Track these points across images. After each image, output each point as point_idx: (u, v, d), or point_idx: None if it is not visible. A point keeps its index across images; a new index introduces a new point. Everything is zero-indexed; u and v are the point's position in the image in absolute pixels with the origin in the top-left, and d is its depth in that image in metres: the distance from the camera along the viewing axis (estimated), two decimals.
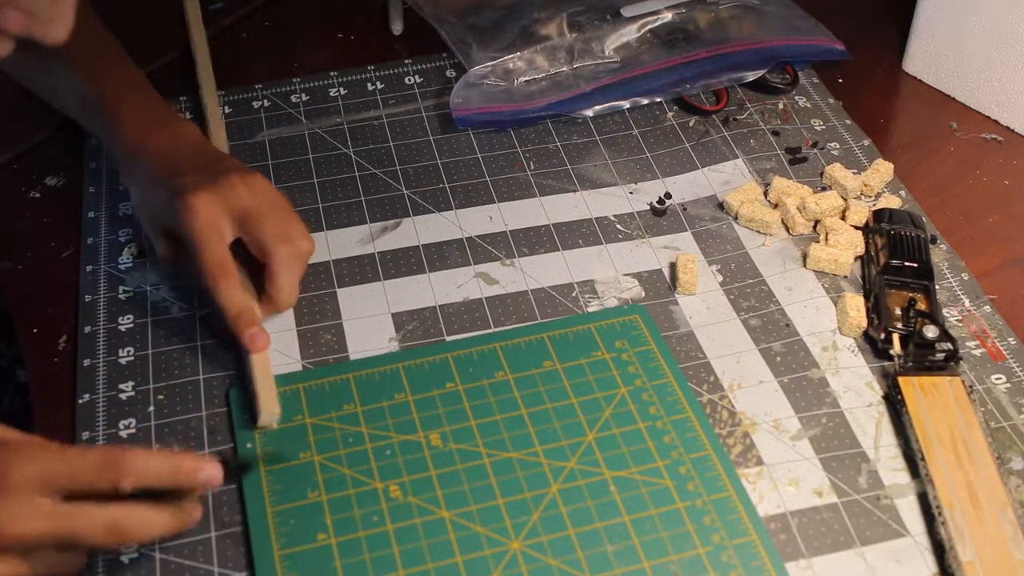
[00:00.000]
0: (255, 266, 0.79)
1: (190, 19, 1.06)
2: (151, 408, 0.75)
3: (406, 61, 1.04)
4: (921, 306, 0.79)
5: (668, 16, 1.03)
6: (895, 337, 0.77)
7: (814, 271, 0.84)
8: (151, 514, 0.62)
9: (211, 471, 0.64)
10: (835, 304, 0.82)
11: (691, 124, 0.97)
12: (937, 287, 0.81)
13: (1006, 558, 0.65)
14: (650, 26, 1.02)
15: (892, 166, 0.91)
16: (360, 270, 0.84)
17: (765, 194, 0.90)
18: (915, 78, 1.03)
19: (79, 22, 0.60)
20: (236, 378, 0.76)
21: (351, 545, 0.67)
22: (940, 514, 0.67)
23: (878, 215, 0.85)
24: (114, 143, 0.85)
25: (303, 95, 1.00)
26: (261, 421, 0.73)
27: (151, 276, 0.84)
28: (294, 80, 1.02)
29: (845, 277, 0.84)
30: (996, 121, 0.98)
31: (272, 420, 0.73)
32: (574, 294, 0.83)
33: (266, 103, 1.00)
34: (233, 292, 0.76)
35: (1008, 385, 0.76)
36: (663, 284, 0.84)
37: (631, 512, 0.69)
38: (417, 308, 0.82)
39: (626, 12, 1.02)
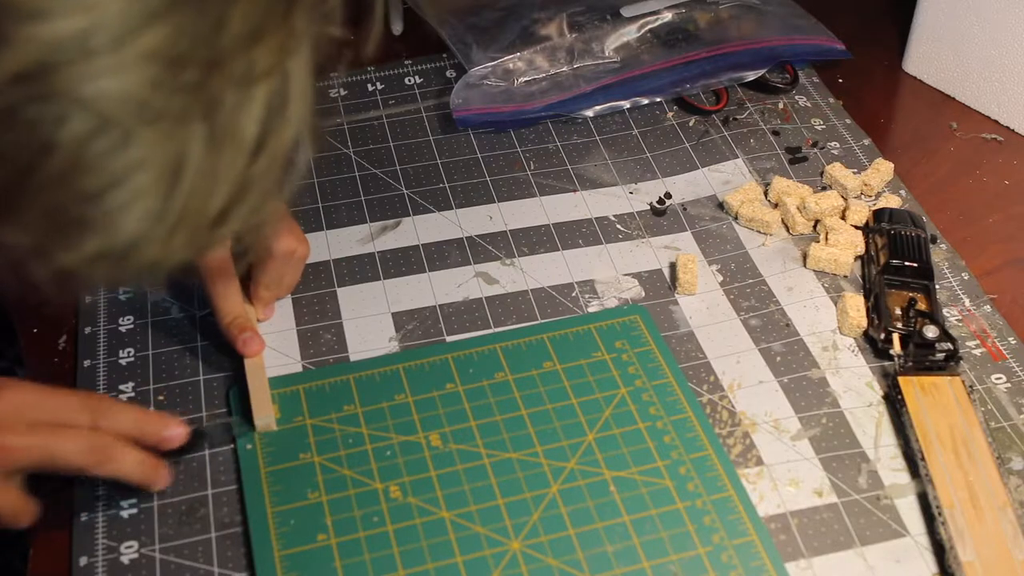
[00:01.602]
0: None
1: None
2: (151, 409, 0.75)
3: (406, 61, 1.04)
4: (921, 306, 0.79)
5: (668, 16, 1.03)
6: (895, 337, 0.77)
7: (814, 271, 0.84)
8: (128, 448, 0.66)
9: (175, 428, 0.69)
10: (835, 304, 0.82)
11: (691, 124, 0.97)
12: (937, 287, 0.81)
13: (1006, 558, 0.65)
14: (650, 26, 1.02)
15: (892, 166, 0.91)
16: (360, 270, 0.84)
17: (765, 194, 0.90)
18: (915, 78, 1.03)
19: None
20: (236, 379, 0.76)
21: (351, 546, 0.67)
22: (940, 514, 0.67)
23: (878, 215, 0.85)
24: None
25: None
26: (257, 427, 0.73)
27: None
28: None
29: (845, 277, 0.84)
30: (996, 121, 0.98)
31: (268, 424, 0.73)
32: (574, 294, 0.83)
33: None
34: (230, 296, 0.76)
35: (1008, 385, 0.76)
36: (663, 284, 0.84)
37: (631, 512, 0.69)
38: (417, 308, 0.82)
39: (626, 12, 1.02)
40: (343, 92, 1.01)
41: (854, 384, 0.77)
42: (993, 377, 0.77)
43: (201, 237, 0.48)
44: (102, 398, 0.68)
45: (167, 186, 0.44)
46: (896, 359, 0.76)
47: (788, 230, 0.87)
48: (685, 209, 0.90)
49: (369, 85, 1.02)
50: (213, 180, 0.46)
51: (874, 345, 0.79)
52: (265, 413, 0.73)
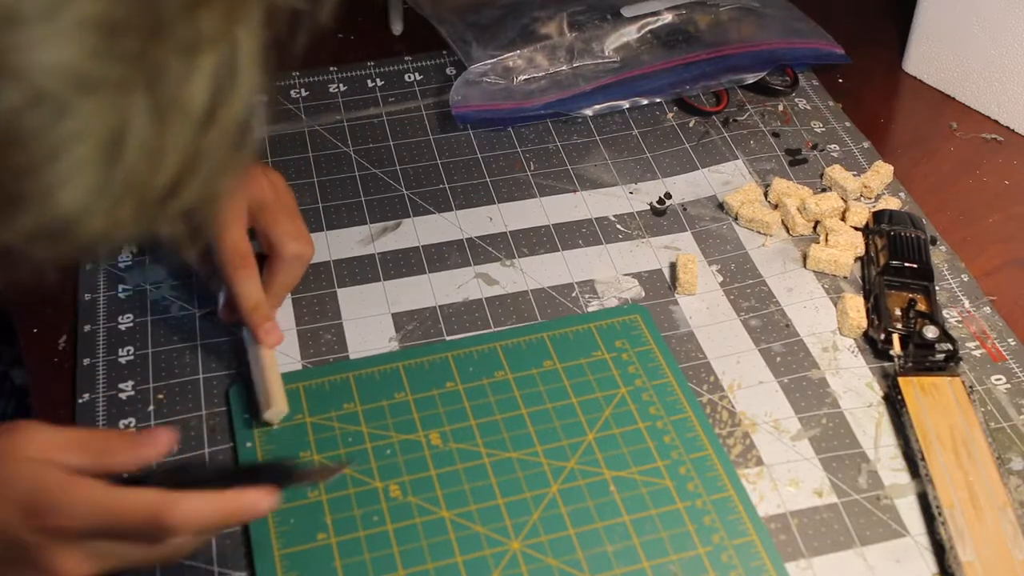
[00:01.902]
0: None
1: None
2: (151, 407, 0.75)
3: (406, 58, 1.04)
4: (921, 307, 0.79)
5: (668, 17, 1.03)
6: (895, 338, 0.77)
7: (814, 271, 0.84)
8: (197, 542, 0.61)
9: (267, 502, 0.60)
10: (835, 305, 0.82)
11: (691, 125, 0.97)
12: (937, 288, 0.81)
13: (1006, 558, 0.65)
14: (650, 27, 1.02)
15: (892, 168, 0.91)
16: (360, 270, 0.84)
17: (765, 195, 0.90)
18: (915, 78, 1.03)
19: None
20: (236, 377, 0.76)
21: (351, 545, 0.67)
22: (940, 514, 0.67)
23: (878, 216, 0.85)
24: None
25: (303, 90, 1.00)
26: (266, 417, 0.72)
27: (151, 274, 0.84)
28: (293, 74, 1.01)
29: (845, 278, 0.84)
30: (996, 121, 0.98)
31: (277, 418, 0.73)
32: (574, 294, 0.83)
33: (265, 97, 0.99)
34: (251, 282, 0.75)
35: (1008, 386, 0.76)
36: (663, 284, 0.84)
37: (631, 512, 0.69)
38: (417, 308, 0.82)
39: (626, 12, 1.02)
40: (343, 88, 1.01)
41: (854, 384, 0.77)
42: (993, 378, 0.77)
43: (150, 211, 0.45)
44: (170, 502, 0.57)
45: (108, 158, 0.42)
46: (896, 360, 0.76)
47: (788, 231, 0.87)
48: (685, 209, 0.90)
49: (369, 81, 1.02)
50: (159, 152, 0.44)
51: (874, 346, 0.79)
52: (281, 407, 0.72)
